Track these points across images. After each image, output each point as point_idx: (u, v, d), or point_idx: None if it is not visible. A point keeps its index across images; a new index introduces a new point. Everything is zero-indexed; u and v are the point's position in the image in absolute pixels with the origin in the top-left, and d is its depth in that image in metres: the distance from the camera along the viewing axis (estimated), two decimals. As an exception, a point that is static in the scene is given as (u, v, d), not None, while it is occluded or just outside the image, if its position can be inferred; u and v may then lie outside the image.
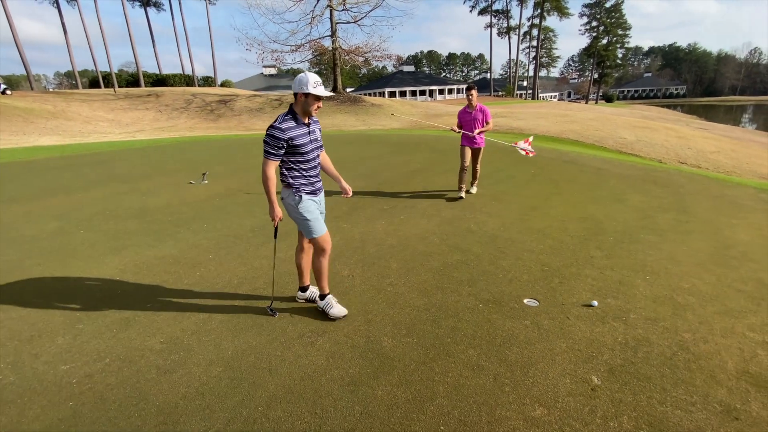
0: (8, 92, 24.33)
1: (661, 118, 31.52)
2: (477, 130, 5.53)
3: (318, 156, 2.67)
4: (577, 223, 4.61)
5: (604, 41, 63.19)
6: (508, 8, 61.11)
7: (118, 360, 2.39)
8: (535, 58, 61.20)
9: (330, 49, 27.47)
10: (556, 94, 78.30)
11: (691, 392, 1.96)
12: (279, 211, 2.58)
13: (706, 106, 65.20)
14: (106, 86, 35.05)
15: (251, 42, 26.79)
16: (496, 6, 61.28)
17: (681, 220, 4.66)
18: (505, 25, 62.14)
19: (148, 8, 45.97)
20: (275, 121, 2.44)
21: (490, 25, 61.36)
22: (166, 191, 6.76)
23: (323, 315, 2.79)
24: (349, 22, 27.88)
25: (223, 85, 44.12)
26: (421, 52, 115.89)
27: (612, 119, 20.25)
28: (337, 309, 2.76)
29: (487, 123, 5.55)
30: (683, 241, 4.00)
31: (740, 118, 43.81)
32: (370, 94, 45.05)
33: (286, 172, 2.57)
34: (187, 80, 41.06)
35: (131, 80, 38.72)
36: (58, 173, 8.76)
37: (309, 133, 2.53)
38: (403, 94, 56.73)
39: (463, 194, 5.67)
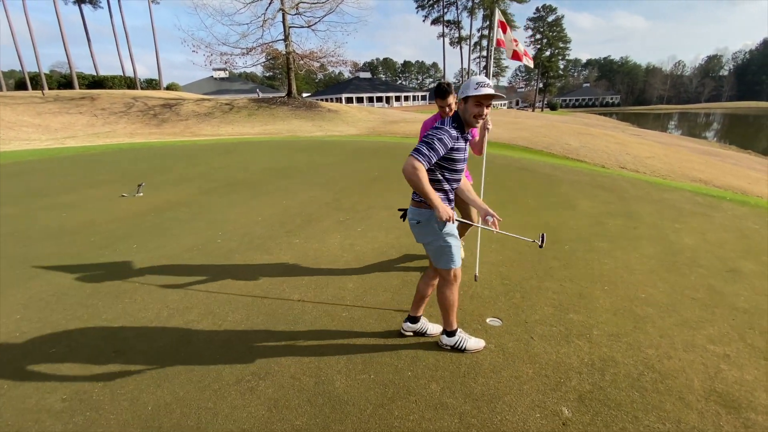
0: None
1: (600, 125, 33.93)
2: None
3: (463, 171, 2.31)
4: (533, 232, 4.57)
5: (548, 53, 67.33)
6: (459, 19, 63.30)
7: (5, 427, 1.90)
8: (485, 67, 63.78)
9: (283, 53, 26.73)
10: (506, 102, 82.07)
11: (663, 419, 1.86)
12: (449, 210, 2.02)
13: (637, 114, 71.44)
14: (35, 88, 31.73)
15: (198, 44, 25.41)
16: (448, 17, 63.22)
17: (629, 226, 4.79)
18: (456, 35, 64.23)
19: (83, 5, 42.38)
20: (440, 122, 2.09)
21: (443, 35, 63.16)
22: (93, 206, 6.00)
23: (266, 350, 2.44)
24: (302, 27, 27.34)
25: (168, 88, 41.54)
26: (377, 59, 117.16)
27: (557, 126, 21.38)
28: (474, 342, 2.40)
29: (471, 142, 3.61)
30: (634, 248, 4.07)
31: (667, 125, 48.35)
32: (327, 100, 44.50)
33: (431, 180, 2.14)
34: (129, 83, 38.23)
35: (64, 82, 35.36)
36: (-40, 187, 7.57)
37: (465, 147, 2.19)
38: (360, 100, 56.71)
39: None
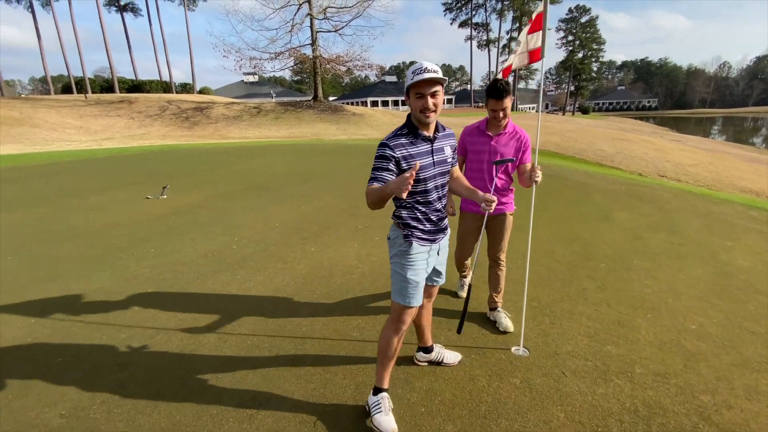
0: (-34, 96, 22.85)
1: (636, 130, 32.33)
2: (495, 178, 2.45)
3: (445, 185, 1.88)
4: (564, 246, 4.25)
5: (580, 55, 65.07)
6: (488, 21, 62.34)
7: (-7, 448, 1.82)
8: (514, 70, 62.34)
9: (310, 57, 27.07)
10: (534, 105, 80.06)
11: (724, 488, 1.55)
12: (404, 176, 1.40)
13: (677, 119, 67.75)
14: (79, 92, 33.63)
15: (229, 49, 26.13)
16: (476, 19, 62.43)
17: (674, 242, 4.37)
18: (485, 37, 63.28)
19: (124, 13, 44.69)
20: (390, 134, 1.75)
21: (470, 38, 62.43)
22: (118, 207, 6.11)
23: (270, 372, 2.28)
24: (329, 31, 27.61)
25: (201, 92, 43.07)
26: (403, 62, 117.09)
27: (590, 131, 20.50)
28: (380, 420, 1.85)
29: (522, 167, 2.63)
30: (680, 268, 3.68)
31: (710, 130, 45.50)
32: (352, 103, 44.78)
33: (397, 205, 1.86)
34: (165, 87, 39.92)
35: (106, 86, 37.38)
36: (3, 187, 7.95)
37: (432, 151, 1.76)
38: (385, 103, 56.79)
39: (465, 290, 3.20)
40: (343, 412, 1.98)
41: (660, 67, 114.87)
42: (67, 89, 36.84)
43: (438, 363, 2.33)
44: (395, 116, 28.53)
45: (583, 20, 63.89)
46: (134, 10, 46.09)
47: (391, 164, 1.65)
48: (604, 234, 4.62)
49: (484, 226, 2.38)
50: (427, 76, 1.60)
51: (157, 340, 2.66)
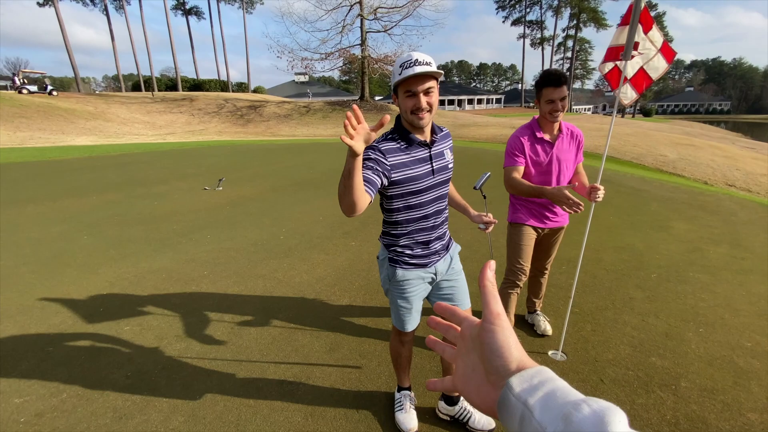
0: (54, 93, 25.73)
1: (705, 134, 29.65)
2: (567, 186, 1.98)
3: (445, 196, 1.65)
4: (613, 254, 4.07)
5: (644, 53, 60.59)
6: (543, 19, 59.89)
7: (75, 396, 2.12)
8: (569, 69, 59.49)
9: (359, 57, 27.58)
10: (590, 107, 75.72)
11: None
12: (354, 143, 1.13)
13: (752, 124, 61.02)
14: (147, 90, 36.72)
15: (282, 50, 27.31)
16: (530, 17, 60.25)
17: (736, 256, 4.03)
18: (538, 35, 60.89)
19: (189, 17, 48.08)
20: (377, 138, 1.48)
21: (523, 36, 60.31)
22: (179, 197, 6.66)
23: (310, 353, 2.44)
24: (379, 31, 27.97)
25: (255, 91, 45.28)
26: (452, 61, 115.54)
27: (651, 135, 19.12)
28: (400, 418, 1.86)
29: (578, 167, 2.44)
30: (741, 284, 3.40)
31: (794, 137, 40.61)
32: (397, 103, 44.81)
33: (384, 220, 1.64)
34: (222, 86, 42.47)
35: (170, 84, 40.44)
36: (80, 174, 8.92)
37: (429, 157, 1.51)
38: (431, 103, 56.32)
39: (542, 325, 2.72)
40: (377, 396, 2.08)
41: (734, 68, 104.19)
42: (136, 87, 40.33)
43: (462, 423, 1.88)
44: (441, 116, 28.32)
45: (648, 16, 59.49)
46: (198, 14, 49.46)
47: (374, 164, 1.38)
48: (659, 244, 4.36)
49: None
50: (418, 69, 1.32)
51: (211, 317, 2.92)
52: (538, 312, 2.80)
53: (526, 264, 2.42)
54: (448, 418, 1.91)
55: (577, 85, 73.94)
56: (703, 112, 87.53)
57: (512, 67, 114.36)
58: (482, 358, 0.40)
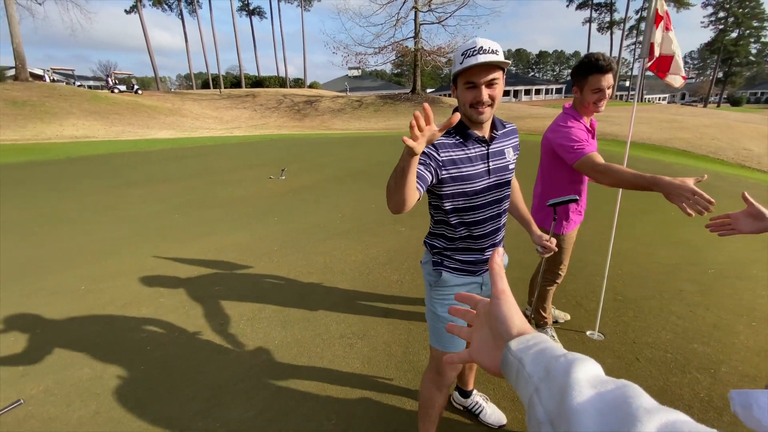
0: (139, 92, 28.84)
1: (807, 126, 25.89)
2: (693, 179, 1.51)
3: (504, 200, 1.47)
4: (668, 249, 4.00)
5: (734, 35, 53.86)
6: (613, 1, 55.35)
7: (185, 335, 2.68)
8: (642, 55, 54.48)
9: (412, 50, 27.66)
10: (666, 95, 68.89)
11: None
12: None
13: None
14: (215, 87, 39.75)
15: (338, 45, 28.18)
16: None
17: (814, 257, 3.77)
18: (607, 19, 56.45)
19: (252, 17, 51.01)
20: None
21: (590, 20, 56.27)
22: (249, 184, 7.43)
23: (366, 317, 2.82)
24: (433, 23, 27.80)
25: (311, 86, 47.10)
26: (509, 50, 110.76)
27: (736, 127, 17.22)
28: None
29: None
30: (813, 283, 3.23)
31: None
32: (449, 95, 44.37)
33: (432, 220, 1.51)
34: (281, 82, 44.67)
35: (235, 82, 43.36)
36: (167, 163, 10.16)
37: (486, 156, 1.37)
38: (485, 95, 54.67)
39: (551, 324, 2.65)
40: (424, 355, 2.40)
41: None
42: (205, 84, 43.71)
43: (474, 414, 1.93)
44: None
45: (741, -8, 52.65)
46: (260, 13, 52.25)
47: (426, 158, 1.27)
48: (722, 241, 4.17)
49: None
50: (482, 59, 1.17)
51: (282, 283, 3.42)
52: (547, 328, 2.54)
53: (566, 260, 2.40)
54: (462, 409, 1.99)
55: (651, 71, 67.44)
56: (809, 100, 75.73)
57: (576, 54, 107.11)
58: (491, 326, 0.48)
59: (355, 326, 2.72)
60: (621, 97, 56.44)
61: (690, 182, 1.41)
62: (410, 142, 0.99)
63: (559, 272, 2.41)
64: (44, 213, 5.79)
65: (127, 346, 2.57)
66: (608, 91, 1.91)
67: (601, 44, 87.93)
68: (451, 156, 1.32)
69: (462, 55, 1.22)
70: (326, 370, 2.30)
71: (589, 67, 1.89)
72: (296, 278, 3.50)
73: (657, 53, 2.38)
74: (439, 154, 1.30)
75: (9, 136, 15.16)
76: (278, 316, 2.88)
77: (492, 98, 1.25)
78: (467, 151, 1.34)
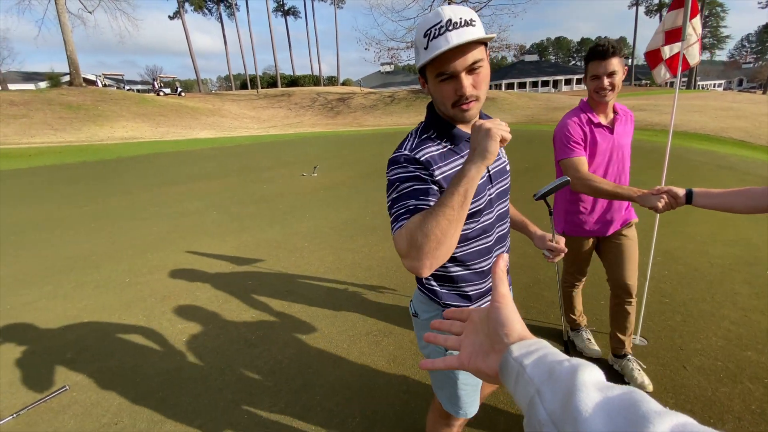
0: (182, 94, 30.37)
1: None
2: (625, 192, 1.62)
3: (506, 216, 1.19)
4: (722, 247, 3.68)
5: (806, 10, 48.52)
6: (663, -19, 51.50)
7: (218, 327, 2.79)
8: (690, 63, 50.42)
9: (445, 43, 27.15)
10: (722, 81, 63.42)
11: None
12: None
13: None
14: (252, 87, 41.10)
15: (370, 41, 28.21)
16: (646, -20, 52.28)
17: None
18: (656, 1, 52.67)
19: (287, 17, 52.16)
20: (401, 143, 1.03)
21: (636, 3, 52.75)
22: (283, 181, 7.62)
23: (392, 314, 2.80)
24: (466, 14, 27.10)
25: (344, 83, 47.57)
26: (548, 39, 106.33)
27: (805, 113, 15.54)
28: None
29: None
30: None
31: None
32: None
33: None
34: (315, 80, 45.43)
35: (271, 82, 44.60)
36: (207, 162, 10.64)
37: (491, 178, 1.10)
38: (522, 85, 52.96)
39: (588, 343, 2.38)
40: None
41: None
42: (243, 85, 45.27)
43: None
44: (532, 99, 26.63)
45: (815, -38, 47.33)
46: (295, 13, 53.33)
47: (423, 184, 0.93)
48: (786, 239, 3.79)
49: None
50: (454, 38, 0.85)
51: (310, 279, 3.47)
52: (629, 357, 2.12)
53: (583, 270, 2.29)
54: None
55: (704, 57, 62.51)
56: None
57: (622, 39, 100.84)
58: (490, 330, 0.48)
59: (381, 323, 2.72)
60: (672, 84, 52.41)
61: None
62: (506, 133, 0.84)
63: (577, 274, 2.28)
64: (96, 210, 6.24)
65: (164, 337, 2.71)
66: (610, 80, 1.76)
67: (650, 29, 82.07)
68: (446, 170, 0.98)
69: (425, 36, 0.88)
70: (352, 366, 2.31)
71: (588, 54, 1.80)
72: (324, 274, 3.55)
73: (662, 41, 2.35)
74: (432, 173, 0.96)
75: (66, 138, 16.47)
76: (306, 312, 2.93)
77: (475, 87, 0.92)
78: (463, 159, 1.00)
